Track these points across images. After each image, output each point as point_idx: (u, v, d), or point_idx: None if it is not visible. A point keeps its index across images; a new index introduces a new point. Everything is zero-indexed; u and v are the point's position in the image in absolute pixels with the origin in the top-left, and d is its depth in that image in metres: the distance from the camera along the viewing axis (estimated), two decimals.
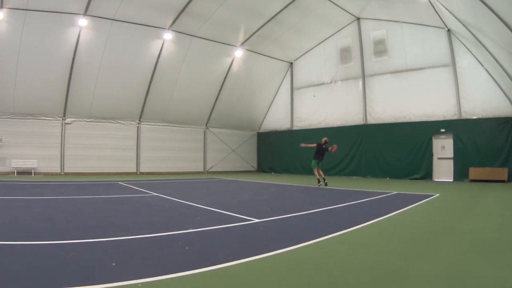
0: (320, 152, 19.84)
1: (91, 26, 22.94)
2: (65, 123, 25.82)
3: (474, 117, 23.31)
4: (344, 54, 30.16)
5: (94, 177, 24.43)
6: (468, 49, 23.08)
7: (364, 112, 28.77)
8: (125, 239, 6.62)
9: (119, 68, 25.62)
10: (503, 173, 21.89)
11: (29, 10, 20.64)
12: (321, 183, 19.29)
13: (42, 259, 5.32)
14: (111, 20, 23.21)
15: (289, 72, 34.59)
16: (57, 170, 25.58)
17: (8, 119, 23.87)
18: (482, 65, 22.51)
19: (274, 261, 5.44)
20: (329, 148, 19.78)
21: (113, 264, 5.04)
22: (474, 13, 15.17)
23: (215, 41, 28.18)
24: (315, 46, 32.11)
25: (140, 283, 4.28)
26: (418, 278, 4.67)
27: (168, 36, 25.84)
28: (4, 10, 20.39)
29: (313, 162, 19.80)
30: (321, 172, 19.57)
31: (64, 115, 25.72)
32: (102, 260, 5.28)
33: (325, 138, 20.22)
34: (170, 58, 27.26)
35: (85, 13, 22.01)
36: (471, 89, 23.31)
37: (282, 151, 34.16)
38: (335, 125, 30.46)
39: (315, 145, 20.00)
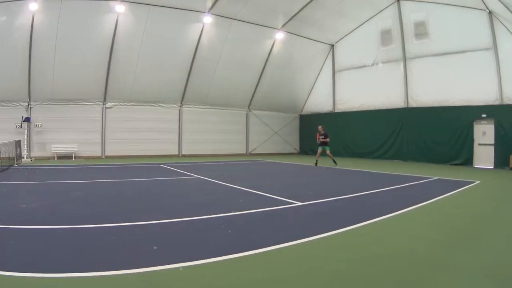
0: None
1: (128, 11, 23.18)
2: (106, 108, 26.27)
3: None
4: (385, 36, 29.54)
5: (135, 160, 24.98)
6: (510, 32, 22.27)
7: (405, 95, 28.22)
8: (167, 222, 6.95)
9: (159, 52, 25.78)
10: None
11: None
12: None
13: (82, 242, 5.61)
14: (149, 5, 23.34)
15: (330, 55, 34.08)
16: (98, 153, 26.12)
17: (48, 106, 24.52)
18: None
19: (316, 245, 5.65)
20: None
21: (155, 247, 5.21)
22: None
23: (256, 24, 27.94)
24: (355, 28, 31.52)
25: (181, 266, 4.44)
26: (460, 268, 4.71)
27: (208, 19, 25.73)
28: (39, 0, 20.83)
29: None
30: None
31: (105, 100, 26.15)
32: (143, 244, 5.50)
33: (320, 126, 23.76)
34: (211, 42, 27.25)
35: None
36: None
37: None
38: (376, 108, 30.07)
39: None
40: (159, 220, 6.92)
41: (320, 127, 23.30)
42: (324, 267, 4.64)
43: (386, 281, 4.31)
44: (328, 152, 22.65)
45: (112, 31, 23.52)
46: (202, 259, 4.63)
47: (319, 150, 22.86)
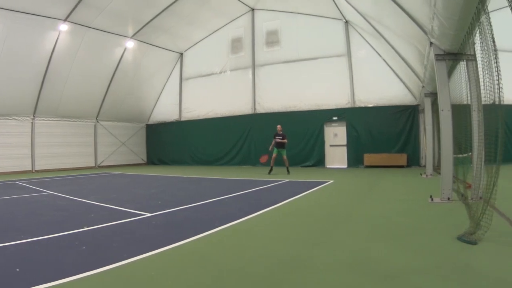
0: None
1: None
2: None
3: (370, 105, 24.49)
4: (235, 44, 30.57)
5: None
6: (366, 40, 24.16)
7: (253, 101, 29.29)
8: (24, 242, 6.55)
9: (15, 62, 24.21)
10: (401, 158, 23.01)
11: None
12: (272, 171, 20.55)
13: None
14: (6, 10, 21.81)
15: (178, 63, 34.61)
16: None
17: None
18: (380, 56, 23.64)
19: (169, 256, 5.63)
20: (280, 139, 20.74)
21: (17, 270, 4.98)
22: (376, 5, 15.71)
23: (109, 32, 27.42)
24: (206, 37, 32.27)
25: None
26: (320, 266, 4.85)
27: (64, 27, 24.69)
28: None
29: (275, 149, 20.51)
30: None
31: None
32: (5, 267, 5.16)
33: (278, 126, 21.40)
34: (65, 50, 26.13)
35: None
36: (367, 79, 24.46)
37: (170, 142, 34.26)
38: (223, 115, 30.87)
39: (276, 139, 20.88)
40: (16, 240, 6.53)
41: (278, 126, 21.16)
42: (179, 277, 4.69)
43: None
44: (284, 157, 20.47)
45: None
46: (62, 279, 4.51)
47: (274, 154, 20.40)
